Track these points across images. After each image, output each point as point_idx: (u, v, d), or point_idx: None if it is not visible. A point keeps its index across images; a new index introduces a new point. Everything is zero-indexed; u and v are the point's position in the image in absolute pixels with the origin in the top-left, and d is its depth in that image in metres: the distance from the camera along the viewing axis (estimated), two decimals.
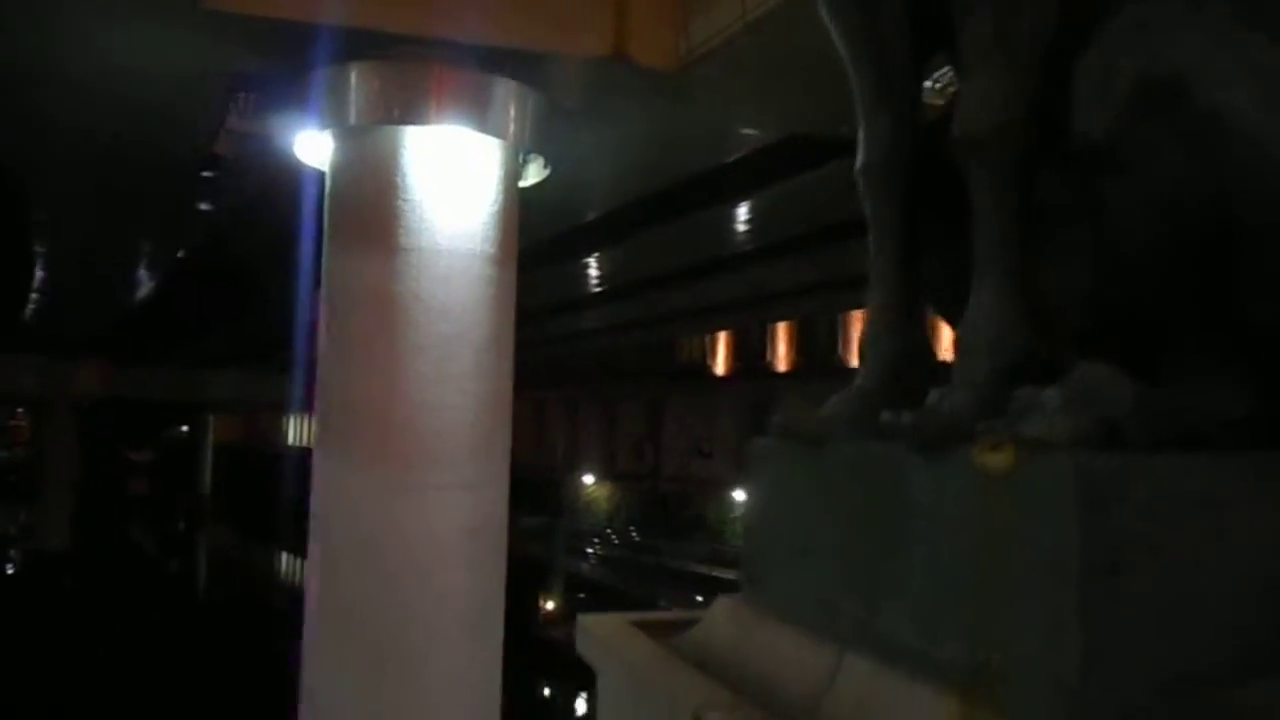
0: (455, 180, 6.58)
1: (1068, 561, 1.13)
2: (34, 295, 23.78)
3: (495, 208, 6.77)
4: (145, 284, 23.35)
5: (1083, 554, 1.12)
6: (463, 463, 6.52)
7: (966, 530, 1.29)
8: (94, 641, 23.01)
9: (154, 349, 32.64)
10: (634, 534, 26.92)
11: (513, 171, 7.01)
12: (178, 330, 28.93)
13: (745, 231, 14.49)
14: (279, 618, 23.62)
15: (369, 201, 6.50)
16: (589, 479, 29.46)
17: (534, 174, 7.47)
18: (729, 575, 22.57)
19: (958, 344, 1.52)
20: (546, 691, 19.80)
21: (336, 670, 6.35)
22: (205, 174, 14.33)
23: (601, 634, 1.98)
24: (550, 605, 22.80)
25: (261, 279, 20.65)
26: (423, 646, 6.29)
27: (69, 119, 11.25)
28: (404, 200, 6.42)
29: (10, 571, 33.76)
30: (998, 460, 1.23)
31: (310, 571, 6.57)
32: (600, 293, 19.17)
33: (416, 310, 6.43)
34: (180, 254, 19.65)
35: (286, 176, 13.13)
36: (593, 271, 17.42)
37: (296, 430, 51.07)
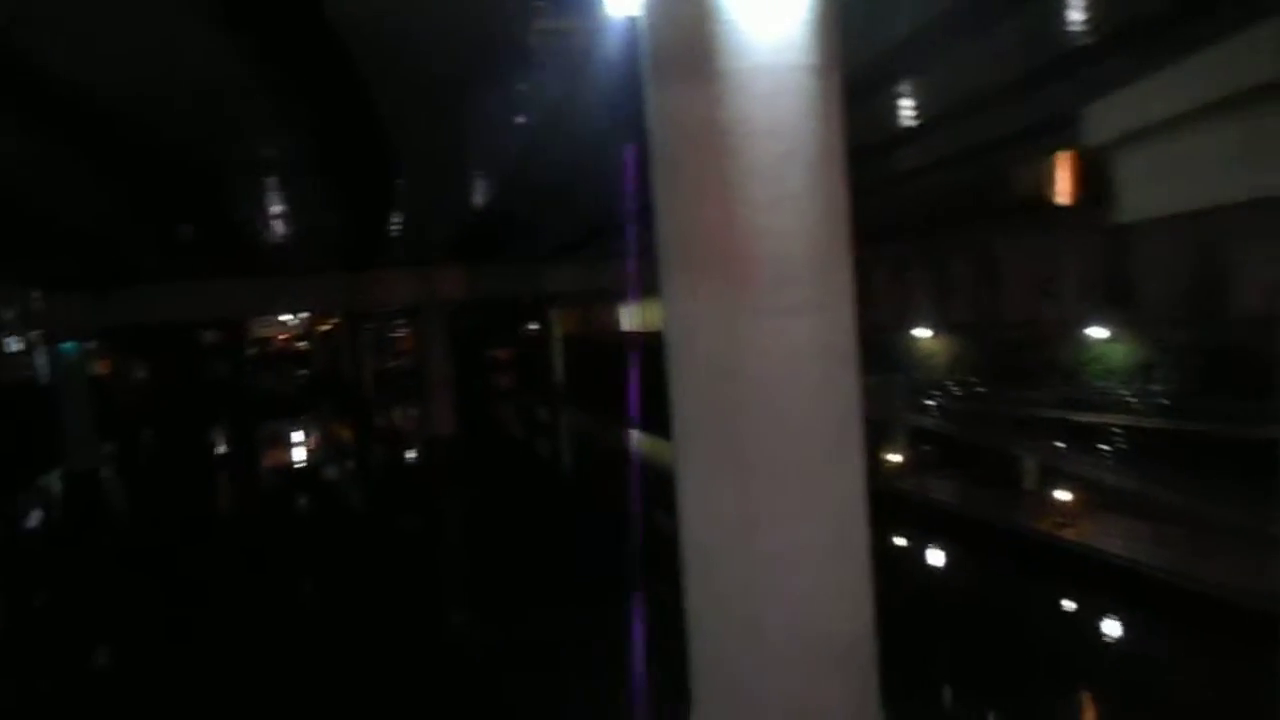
0: None
1: None
2: (397, 211, 26.55)
3: (811, 14, 6.46)
4: (484, 193, 25.31)
5: None
6: (805, 283, 6.47)
7: None
8: (497, 502, 26.41)
9: (501, 250, 35.55)
10: (976, 384, 25.81)
11: None
12: (519, 231, 31.24)
13: (1084, 20, 12.83)
14: (641, 476, 25.90)
15: (685, 30, 6.44)
16: (922, 332, 28.50)
17: None
18: (1085, 419, 21.11)
19: None
20: (898, 541, 19.82)
21: (707, 485, 6.69)
22: (520, 87, 15.20)
23: None
24: (896, 458, 22.60)
25: (586, 171, 21.61)
26: (784, 460, 6.45)
27: (405, 32, 12.25)
28: (719, 22, 6.31)
29: (413, 454, 39.21)
30: None
31: (674, 395, 6.90)
32: (917, 126, 18.04)
33: (743, 134, 6.36)
34: (514, 153, 20.96)
35: (599, 62, 13.53)
36: (906, 101, 16.37)
37: (631, 317, 53.88)
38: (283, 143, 18.37)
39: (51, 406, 35.50)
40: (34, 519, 31.43)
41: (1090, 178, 20.00)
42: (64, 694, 14.61)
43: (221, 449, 46.18)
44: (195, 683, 14.11)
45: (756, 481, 6.51)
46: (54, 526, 30.31)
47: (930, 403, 25.73)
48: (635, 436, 34.55)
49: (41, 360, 42.62)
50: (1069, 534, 16.79)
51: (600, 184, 23.16)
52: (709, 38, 6.31)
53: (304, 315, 67.35)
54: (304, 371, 69.01)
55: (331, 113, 16.34)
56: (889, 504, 18.17)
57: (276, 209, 25.46)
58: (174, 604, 18.56)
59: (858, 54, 11.72)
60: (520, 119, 17.18)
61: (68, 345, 35.31)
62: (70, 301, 34.24)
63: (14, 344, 54.11)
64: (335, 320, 66.72)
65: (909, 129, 18.22)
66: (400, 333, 69.47)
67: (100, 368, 46.67)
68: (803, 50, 6.47)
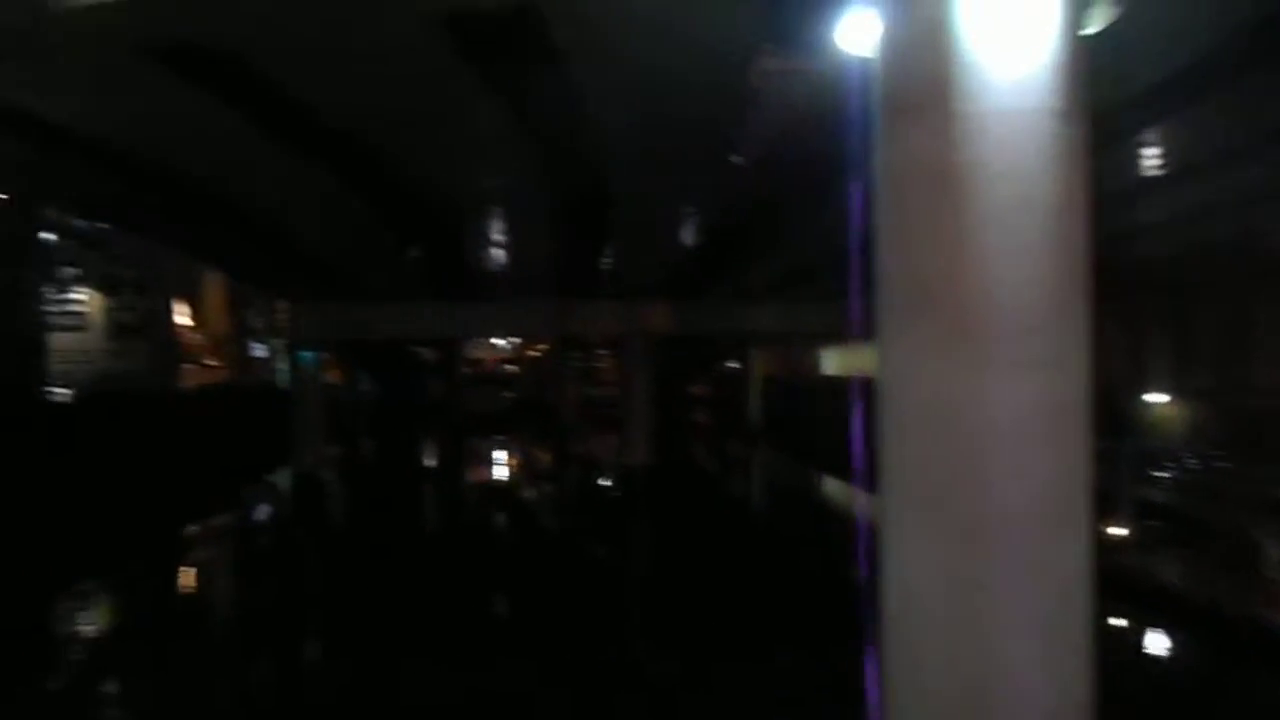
0: (1011, 33, 6.08)
1: None
2: (610, 243, 27.30)
3: (1058, 58, 6.13)
4: (696, 231, 25.64)
5: None
6: (1038, 338, 6.09)
7: None
8: (687, 538, 26.42)
9: (707, 288, 35.85)
10: (1216, 457, 23.53)
11: (1075, 14, 6.29)
12: (727, 269, 31.41)
13: None
14: (835, 525, 25.24)
15: (922, 71, 6.27)
16: (1157, 397, 26.36)
17: (1101, 16, 6.63)
18: None
19: None
20: (1114, 621, 18.26)
21: (916, 543, 6.38)
22: (739, 125, 15.27)
23: None
24: (1119, 532, 20.93)
25: (801, 207, 21.49)
26: (1004, 523, 6.06)
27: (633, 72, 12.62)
28: (959, 64, 6.08)
29: (607, 482, 40.02)
30: None
31: (884, 446, 6.64)
32: (1165, 175, 16.80)
33: (979, 178, 6.09)
34: (724, 194, 21.13)
35: (818, 103, 13.42)
36: (1154, 148, 15.29)
37: (833, 361, 52.95)
38: (508, 173, 19.32)
39: (285, 409, 38.62)
40: (261, 513, 34.22)
41: None
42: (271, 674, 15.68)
43: (430, 462, 48.77)
44: (387, 681, 14.79)
45: (972, 543, 6.15)
46: (278, 522, 32.89)
47: (1161, 474, 23.69)
48: (834, 483, 33.79)
49: (281, 366, 46.64)
50: None
51: (809, 225, 22.98)
52: (947, 79, 6.10)
53: (514, 339, 70.42)
54: (509, 394, 71.97)
55: (554, 145, 17.03)
56: (1108, 580, 16.82)
57: (497, 235, 26.79)
58: (379, 602, 19.60)
59: (1106, 98, 11.10)
60: (737, 158, 17.30)
61: (306, 354, 38.32)
62: (310, 313, 37.25)
63: (259, 350, 59.63)
64: (542, 346, 69.33)
65: (1156, 178, 17.01)
66: (603, 362, 71.27)
67: (330, 377, 50.44)
68: (1046, 93, 6.16)
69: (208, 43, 12.09)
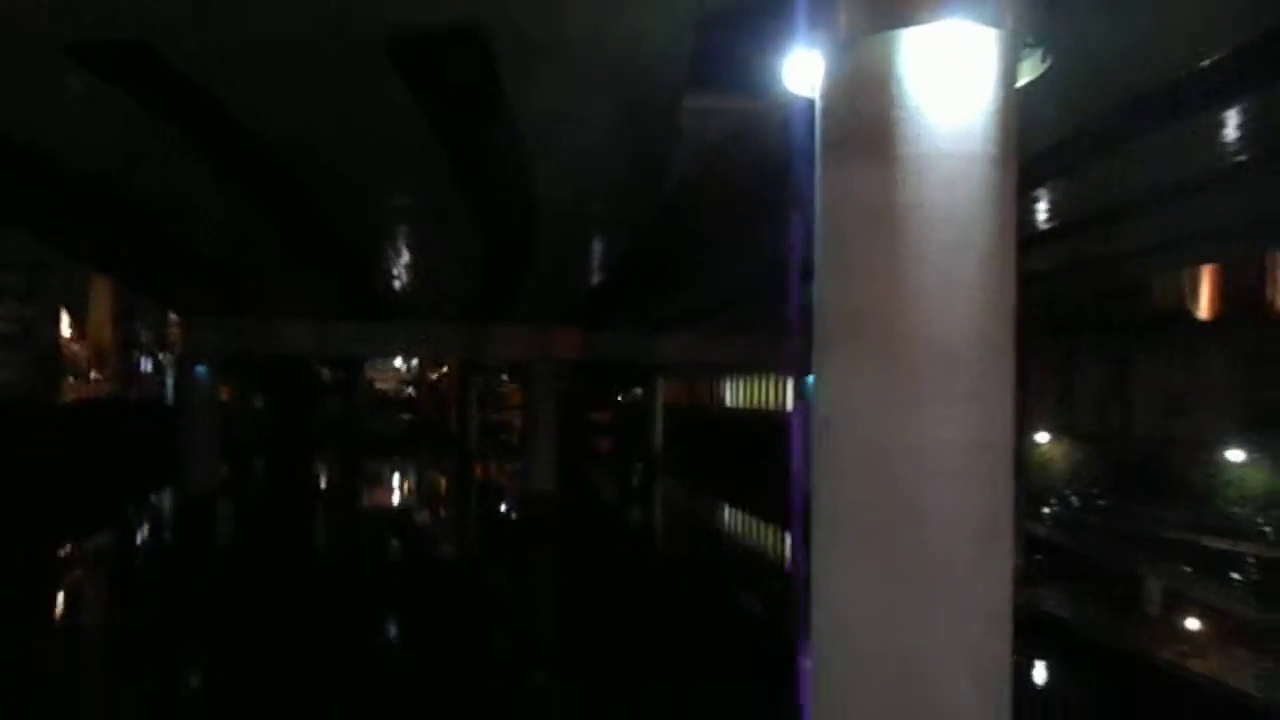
0: (952, 80, 6.28)
1: None
2: (521, 270, 27.12)
3: (994, 105, 6.36)
4: (609, 260, 25.70)
5: None
6: (970, 373, 6.25)
7: None
8: (586, 564, 26.24)
9: (615, 316, 35.93)
10: (1097, 497, 24.67)
11: (1010, 65, 6.55)
12: (636, 298, 31.56)
13: (1239, 139, 12.40)
14: (734, 553, 25.44)
15: (864, 114, 6.40)
16: (1042, 438, 27.51)
17: (1031, 69, 6.92)
18: (1218, 544, 19.98)
19: None
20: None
21: (847, 573, 6.44)
22: (662, 159, 15.40)
23: None
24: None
25: (712, 243, 21.77)
26: (932, 554, 6.17)
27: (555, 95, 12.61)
28: (901, 108, 6.25)
29: (507, 507, 39.59)
30: None
31: (817, 479, 6.70)
32: (1055, 227, 17.61)
33: (916, 219, 6.25)
34: (641, 229, 21.25)
35: (745, 142, 13.59)
36: (1047, 200, 16.02)
37: (735, 393, 53.64)
38: (422, 192, 19.04)
39: (173, 427, 36.94)
40: (141, 535, 32.64)
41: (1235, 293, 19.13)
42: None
43: (323, 484, 47.39)
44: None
45: (901, 578, 6.23)
46: (158, 544, 31.42)
47: (1046, 510, 24.70)
48: (731, 512, 34.16)
49: (170, 382, 44.70)
50: (1197, 665, 15.71)
51: (721, 260, 23.31)
52: (890, 123, 6.25)
53: (416, 361, 69.22)
54: (408, 416, 70.60)
55: (469, 167, 16.86)
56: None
57: (405, 256, 26.33)
58: (260, 630, 18.80)
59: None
60: (657, 189, 17.44)
61: (201, 369, 36.65)
62: (203, 327, 35.84)
63: (147, 364, 57.06)
64: (445, 369, 68.36)
65: (1047, 229, 17.82)
66: (506, 388, 70.63)
67: (222, 394, 48.63)
68: (983, 140, 6.37)
69: (118, 38, 11.58)
